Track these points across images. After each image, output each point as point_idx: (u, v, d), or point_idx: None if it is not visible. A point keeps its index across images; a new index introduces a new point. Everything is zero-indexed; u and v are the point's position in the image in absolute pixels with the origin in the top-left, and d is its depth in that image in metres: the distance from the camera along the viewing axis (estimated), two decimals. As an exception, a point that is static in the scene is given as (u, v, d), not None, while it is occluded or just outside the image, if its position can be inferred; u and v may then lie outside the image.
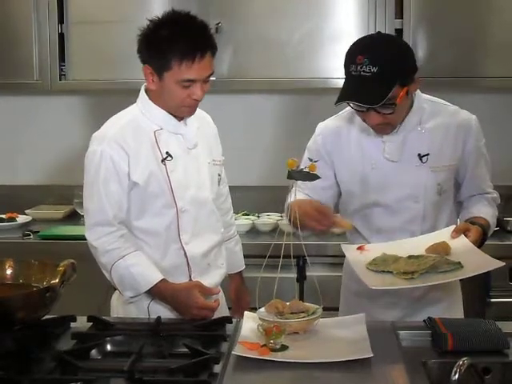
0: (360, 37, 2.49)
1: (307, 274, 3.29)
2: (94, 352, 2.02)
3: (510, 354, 2.03)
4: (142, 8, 3.64)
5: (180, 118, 2.50)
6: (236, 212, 3.25)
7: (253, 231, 3.70)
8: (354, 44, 2.41)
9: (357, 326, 2.16)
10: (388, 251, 2.35)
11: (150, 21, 2.42)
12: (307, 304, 2.22)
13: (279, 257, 2.13)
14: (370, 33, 3.51)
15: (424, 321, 2.21)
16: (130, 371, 1.83)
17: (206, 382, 1.82)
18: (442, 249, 2.33)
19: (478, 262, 2.25)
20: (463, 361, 1.66)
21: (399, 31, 3.61)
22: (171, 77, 2.37)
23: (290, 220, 2.25)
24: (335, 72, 3.62)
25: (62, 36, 3.74)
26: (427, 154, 2.46)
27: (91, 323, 2.21)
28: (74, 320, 2.24)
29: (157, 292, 2.41)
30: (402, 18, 3.60)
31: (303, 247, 2.29)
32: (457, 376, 1.64)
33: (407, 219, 2.50)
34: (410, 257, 2.30)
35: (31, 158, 4.16)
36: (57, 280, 2.08)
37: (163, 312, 2.39)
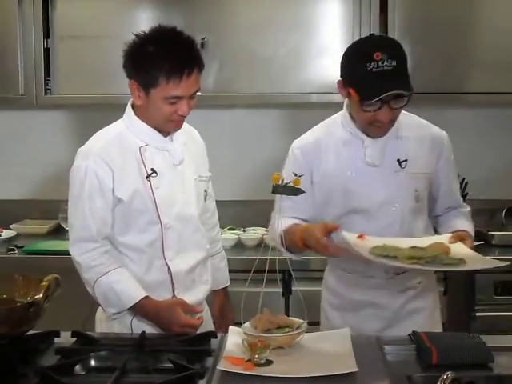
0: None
1: (293, 288, 3.28)
2: (77, 367, 2.00)
3: (494, 367, 2.03)
4: (127, 23, 3.65)
5: (166, 133, 2.48)
6: (222, 226, 3.24)
7: (238, 246, 3.70)
8: (357, 46, 2.47)
9: (342, 341, 2.15)
10: (387, 243, 2.34)
11: (136, 36, 2.40)
12: (292, 318, 2.22)
13: (264, 271, 2.13)
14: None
15: (409, 335, 2.22)
16: (114, 387, 1.82)
17: (191, 397, 1.82)
18: (441, 248, 2.31)
19: (480, 259, 2.30)
20: (447, 375, 1.67)
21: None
22: (158, 93, 2.36)
23: (282, 243, 2.30)
24: (320, 87, 3.64)
25: (47, 50, 3.74)
26: (405, 160, 2.51)
27: (75, 338, 2.20)
28: (58, 335, 2.22)
29: (139, 309, 2.40)
30: (387, 34, 3.62)
31: (288, 261, 2.30)
32: (441, 390, 1.65)
33: (385, 224, 2.51)
34: (413, 247, 2.30)
35: (16, 172, 4.14)
36: (41, 295, 2.08)
37: (146, 328, 2.37)
